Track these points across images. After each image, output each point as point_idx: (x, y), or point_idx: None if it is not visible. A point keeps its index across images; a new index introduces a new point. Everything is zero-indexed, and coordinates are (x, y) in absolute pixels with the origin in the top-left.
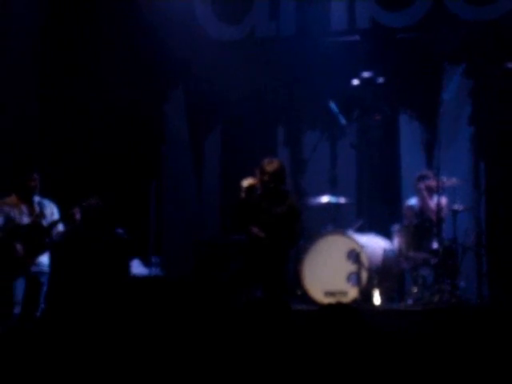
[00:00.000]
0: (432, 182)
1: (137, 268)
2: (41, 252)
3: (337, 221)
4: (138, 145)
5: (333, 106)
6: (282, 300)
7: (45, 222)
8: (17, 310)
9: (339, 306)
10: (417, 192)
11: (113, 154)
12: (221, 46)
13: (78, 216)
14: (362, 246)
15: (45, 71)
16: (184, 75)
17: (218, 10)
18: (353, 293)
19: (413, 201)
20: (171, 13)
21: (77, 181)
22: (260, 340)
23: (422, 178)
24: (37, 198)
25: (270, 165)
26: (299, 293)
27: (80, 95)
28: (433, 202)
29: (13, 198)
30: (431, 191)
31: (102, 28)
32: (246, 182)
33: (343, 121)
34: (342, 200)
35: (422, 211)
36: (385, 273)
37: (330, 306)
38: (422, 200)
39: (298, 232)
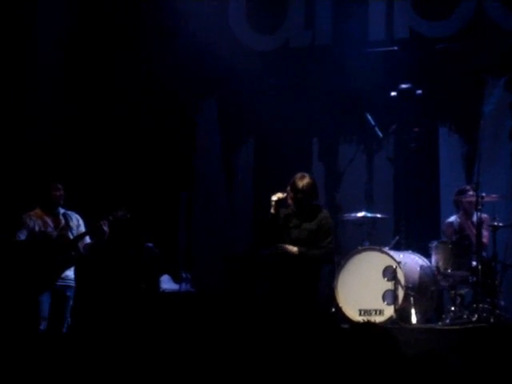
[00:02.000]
0: (471, 198)
1: (167, 283)
2: (67, 266)
3: (373, 237)
4: (169, 156)
5: (370, 118)
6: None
7: (71, 235)
8: (43, 325)
9: (369, 325)
10: (456, 207)
11: (142, 164)
12: (255, 56)
13: (105, 228)
14: (398, 263)
15: (72, 82)
16: (217, 85)
17: (252, 20)
18: (389, 311)
19: (452, 218)
20: (205, 22)
21: (105, 192)
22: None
23: (462, 192)
24: (62, 210)
25: (302, 180)
26: (333, 310)
27: (110, 104)
28: (473, 219)
29: (37, 211)
30: (471, 207)
31: (135, 36)
32: (276, 197)
33: (380, 133)
34: (379, 215)
35: (461, 228)
36: (422, 291)
37: (359, 325)
38: (462, 216)
39: (330, 248)
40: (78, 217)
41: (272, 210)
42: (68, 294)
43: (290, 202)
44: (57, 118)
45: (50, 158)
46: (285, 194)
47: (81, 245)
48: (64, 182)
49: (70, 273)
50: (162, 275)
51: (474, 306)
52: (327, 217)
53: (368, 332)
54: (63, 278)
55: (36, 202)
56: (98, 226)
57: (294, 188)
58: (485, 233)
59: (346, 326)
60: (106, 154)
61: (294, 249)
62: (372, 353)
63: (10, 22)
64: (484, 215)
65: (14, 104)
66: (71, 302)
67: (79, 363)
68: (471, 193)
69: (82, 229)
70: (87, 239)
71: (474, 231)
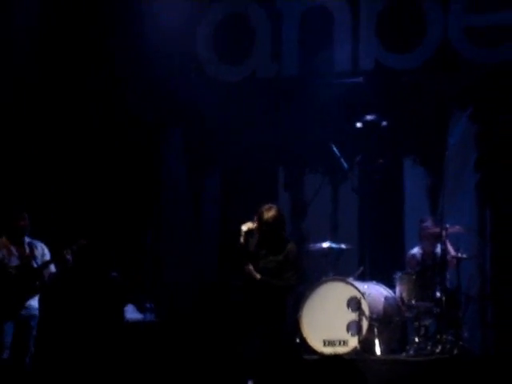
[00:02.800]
0: (435, 229)
1: (131, 313)
2: (31, 295)
3: (338, 267)
4: (135, 185)
5: (335, 149)
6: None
7: (35, 264)
8: (5, 354)
9: (336, 358)
10: (419, 239)
11: (108, 193)
12: (221, 87)
13: (68, 257)
14: (362, 294)
15: (35, 112)
16: (183, 115)
17: (219, 51)
18: (353, 342)
19: (415, 249)
20: (172, 51)
21: (71, 221)
22: None
23: (423, 223)
24: (27, 239)
25: (268, 213)
26: (298, 341)
27: (75, 134)
28: (436, 250)
29: (2, 240)
30: (434, 238)
31: (100, 65)
32: (245, 227)
33: (345, 165)
34: (343, 246)
35: (424, 259)
36: (386, 322)
37: (327, 358)
38: (424, 248)
39: (292, 280)
40: (43, 246)
41: (241, 240)
42: (31, 323)
43: (256, 232)
44: (20, 148)
45: (15, 186)
46: (254, 224)
47: (46, 274)
48: (30, 211)
49: (33, 302)
50: (126, 305)
51: (438, 337)
52: (293, 250)
53: (335, 365)
54: (27, 308)
55: (1, 231)
56: (60, 255)
57: (260, 220)
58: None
59: (311, 356)
60: (71, 182)
61: (258, 276)
62: None
63: None
64: (449, 247)
65: None
66: (34, 332)
67: None
68: (430, 224)
69: (47, 258)
70: (52, 268)
71: (437, 262)
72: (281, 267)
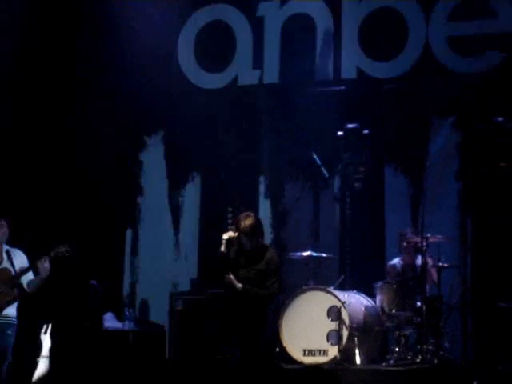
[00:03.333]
0: (415, 239)
1: (109, 321)
2: (8, 303)
3: (318, 276)
4: (114, 193)
5: (316, 157)
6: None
7: (13, 272)
8: None
9: (316, 368)
10: (400, 251)
11: (87, 202)
12: (202, 94)
13: (46, 265)
14: (343, 303)
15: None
16: (163, 123)
17: (200, 58)
18: (333, 351)
19: (395, 260)
20: (153, 59)
21: (50, 229)
22: None
23: (401, 235)
24: (5, 247)
25: (244, 221)
26: (277, 350)
27: (54, 140)
28: (416, 261)
29: None
30: (415, 250)
31: (79, 71)
32: (226, 235)
33: (326, 173)
34: (324, 255)
35: (404, 270)
36: (366, 331)
37: (306, 367)
38: (405, 259)
39: (274, 288)
40: (22, 253)
41: (222, 249)
42: (9, 331)
43: (235, 241)
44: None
45: None
46: (236, 233)
47: (24, 281)
48: (8, 218)
49: (11, 310)
50: (105, 313)
51: (419, 346)
52: (274, 257)
53: (315, 375)
54: (4, 316)
55: None
56: (38, 263)
57: (238, 228)
58: (433, 272)
59: (290, 366)
60: (50, 189)
61: (239, 285)
62: None
63: None
64: (428, 259)
65: None
66: (12, 340)
67: None
68: (410, 235)
69: (26, 265)
70: (30, 275)
71: (418, 272)
72: (262, 275)
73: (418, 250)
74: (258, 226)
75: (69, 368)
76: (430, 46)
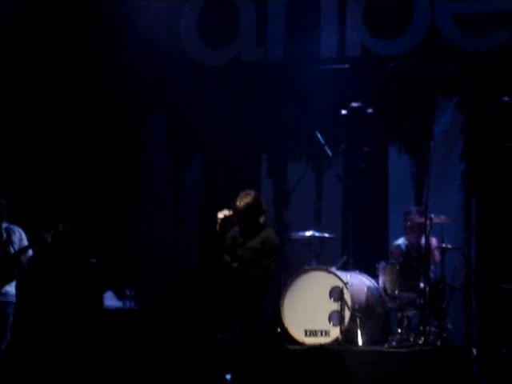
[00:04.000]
0: (420, 220)
1: (110, 300)
2: (7, 281)
3: (320, 256)
4: (116, 171)
5: (319, 136)
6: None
7: (12, 250)
8: None
9: (319, 348)
10: (404, 231)
11: (88, 178)
12: (205, 71)
13: (46, 236)
14: (345, 284)
15: (18, 98)
16: (164, 100)
17: (203, 34)
18: (335, 332)
19: (400, 240)
20: (155, 36)
21: (50, 207)
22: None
23: (406, 214)
24: (4, 225)
25: (242, 199)
26: (279, 330)
27: (56, 118)
28: (421, 241)
29: None
30: (419, 230)
31: (83, 47)
32: (221, 214)
33: (330, 152)
34: (327, 235)
35: (408, 250)
36: (368, 312)
37: (310, 349)
38: (410, 239)
39: (270, 268)
40: (21, 231)
41: (217, 228)
42: (8, 310)
43: (234, 220)
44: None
45: None
46: (230, 212)
47: (24, 259)
48: (7, 196)
49: (10, 288)
50: (105, 292)
51: (421, 328)
52: (272, 236)
53: (318, 355)
54: (3, 294)
55: None
56: (39, 238)
57: (235, 206)
58: (436, 253)
59: (292, 346)
60: (51, 167)
61: (234, 265)
62: (322, 377)
63: None
64: (433, 239)
65: None
66: (11, 319)
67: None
68: (415, 215)
69: (25, 243)
70: (30, 253)
71: (422, 252)
72: (258, 255)
73: (423, 230)
74: (255, 204)
75: (69, 347)
76: (435, 23)
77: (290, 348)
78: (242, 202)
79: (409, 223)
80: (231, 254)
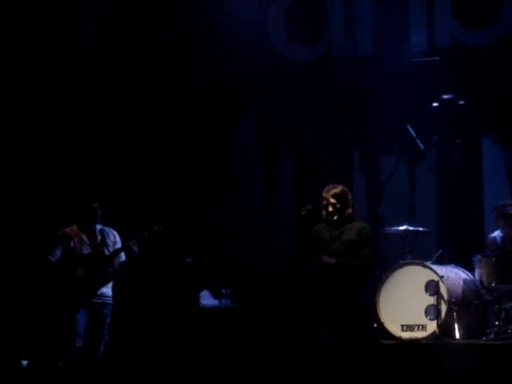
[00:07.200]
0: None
1: (206, 299)
2: (103, 282)
3: (415, 250)
4: (209, 169)
5: (411, 129)
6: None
7: (107, 251)
8: (79, 342)
9: (414, 343)
10: (495, 222)
11: (182, 178)
12: (294, 68)
13: (134, 248)
14: (441, 277)
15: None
16: (254, 98)
17: (292, 31)
18: (432, 326)
19: (496, 233)
20: (244, 34)
21: (144, 207)
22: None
23: (502, 207)
24: (99, 227)
25: (329, 191)
26: (375, 325)
27: (148, 119)
28: None
29: (73, 228)
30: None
31: (173, 48)
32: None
33: (422, 145)
34: (421, 228)
35: (505, 243)
36: (465, 305)
37: (405, 343)
38: (505, 232)
39: (369, 258)
40: (115, 233)
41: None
42: (105, 311)
43: (323, 214)
44: (93, 136)
45: (86, 173)
46: (309, 206)
47: (116, 262)
48: (102, 197)
49: (106, 290)
50: (201, 291)
51: None
52: (365, 227)
53: (413, 350)
54: (100, 295)
55: (73, 219)
56: (127, 246)
57: (324, 198)
58: None
59: (389, 341)
60: (145, 168)
61: (332, 260)
62: (415, 370)
63: None
64: None
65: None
66: (108, 320)
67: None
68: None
69: (119, 245)
70: (122, 256)
71: None
72: (354, 246)
73: None
74: (343, 194)
75: (165, 346)
76: None
77: (386, 343)
78: (329, 193)
79: (503, 216)
80: (323, 247)
